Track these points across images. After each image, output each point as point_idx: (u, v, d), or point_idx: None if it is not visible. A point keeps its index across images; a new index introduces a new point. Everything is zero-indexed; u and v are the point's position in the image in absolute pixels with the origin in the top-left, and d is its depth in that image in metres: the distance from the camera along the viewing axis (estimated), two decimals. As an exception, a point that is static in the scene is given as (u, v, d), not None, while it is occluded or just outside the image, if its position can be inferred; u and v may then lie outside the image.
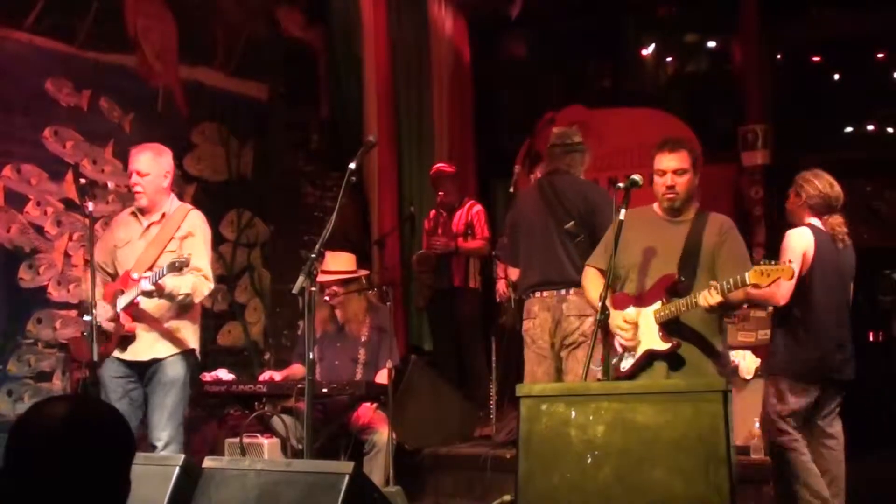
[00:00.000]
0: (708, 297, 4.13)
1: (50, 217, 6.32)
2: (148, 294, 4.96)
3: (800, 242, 5.10)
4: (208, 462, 3.99)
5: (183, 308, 5.20)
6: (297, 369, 5.84)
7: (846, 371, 5.19)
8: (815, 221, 5.21)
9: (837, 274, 5.15)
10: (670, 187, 4.44)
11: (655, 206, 4.59)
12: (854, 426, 6.77)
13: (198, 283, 5.15)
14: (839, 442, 5.20)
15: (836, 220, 5.19)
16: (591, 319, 5.49)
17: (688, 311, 4.26)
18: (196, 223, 5.30)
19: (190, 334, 5.27)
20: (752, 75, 9.22)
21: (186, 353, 5.23)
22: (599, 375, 5.00)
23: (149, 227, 5.24)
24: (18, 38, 6.19)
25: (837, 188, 5.24)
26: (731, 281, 4.11)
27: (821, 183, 5.24)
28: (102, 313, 5.04)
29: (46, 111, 6.37)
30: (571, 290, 5.53)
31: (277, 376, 5.90)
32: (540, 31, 10.49)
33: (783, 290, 4.83)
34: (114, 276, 5.24)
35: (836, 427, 5.21)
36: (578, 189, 5.74)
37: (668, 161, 4.45)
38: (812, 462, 5.09)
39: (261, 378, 6.04)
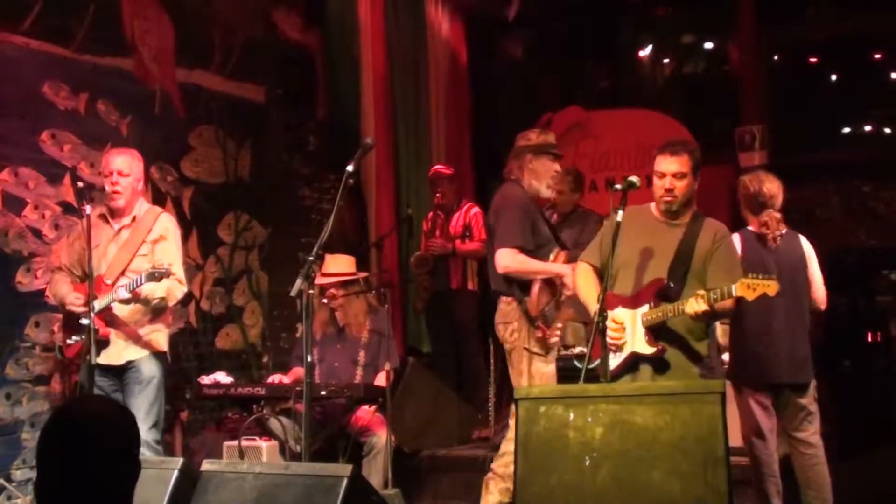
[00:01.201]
0: (694, 304, 4.14)
1: (48, 220, 6.31)
2: (125, 301, 5.07)
3: None
4: (206, 465, 4.00)
5: (156, 312, 5.33)
6: (302, 372, 5.85)
7: (791, 374, 5.12)
8: (752, 225, 5.22)
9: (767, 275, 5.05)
10: (669, 190, 4.43)
11: (653, 206, 4.58)
12: (854, 426, 6.78)
13: (172, 286, 5.26)
14: (813, 445, 5.15)
15: (768, 216, 5.15)
16: (511, 327, 5.43)
17: (675, 316, 4.27)
18: (168, 226, 5.42)
19: (162, 337, 5.40)
20: (750, 76, 9.23)
21: (159, 354, 5.35)
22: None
23: (119, 230, 5.33)
24: (15, 41, 6.18)
25: (769, 185, 5.19)
26: (718, 291, 4.13)
27: (752, 183, 5.24)
28: (74, 300, 5.18)
29: (44, 114, 6.36)
30: (501, 299, 5.52)
31: (287, 379, 5.91)
32: (537, 32, 10.51)
33: None
34: (81, 279, 5.30)
35: (806, 431, 5.16)
36: (495, 196, 5.69)
37: (668, 164, 4.43)
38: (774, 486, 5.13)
39: (268, 381, 6.05)
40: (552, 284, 5.36)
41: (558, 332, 5.38)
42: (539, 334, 5.30)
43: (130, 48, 6.94)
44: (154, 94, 7.12)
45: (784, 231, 5.18)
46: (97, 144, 6.62)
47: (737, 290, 4.08)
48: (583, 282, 4.64)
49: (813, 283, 5.25)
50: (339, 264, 6.06)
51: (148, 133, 6.82)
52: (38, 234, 6.25)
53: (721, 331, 6.03)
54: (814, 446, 5.16)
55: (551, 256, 5.37)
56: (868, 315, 9.21)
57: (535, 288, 5.32)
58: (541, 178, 5.49)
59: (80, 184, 5.40)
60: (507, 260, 5.32)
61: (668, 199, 4.45)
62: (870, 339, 9.20)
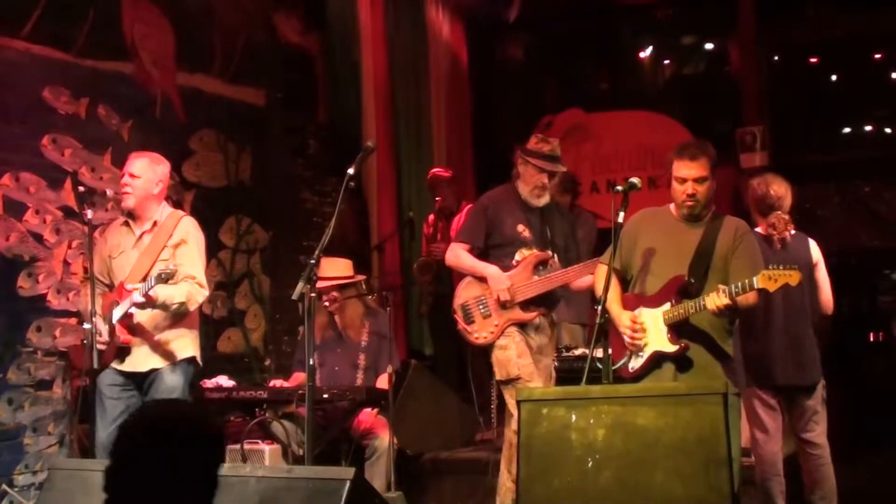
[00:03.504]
0: (716, 299, 4.15)
1: (49, 225, 6.31)
2: (140, 306, 4.99)
3: None
4: (209, 469, 3.99)
5: (178, 316, 5.21)
6: (303, 377, 5.83)
7: (796, 375, 5.12)
8: (760, 227, 5.23)
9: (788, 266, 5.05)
10: (691, 195, 4.43)
11: (672, 207, 4.58)
12: (855, 426, 6.76)
13: (192, 290, 5.16)
14: (819, 446, 5.16)
15: (776, 218, 5.16)
16: None
17: (696, 313, 4.27)
18: (189, 230, 5.31)
19: (188, 342, 5.28)
20: (750, 77, 9.24)
21: (184, 362, 5.24)
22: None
23: (141, 235, 5.26)
24: (16, 46, 6.18)
25: (776, 188, 5.21)
26: (740, 285, 4.14)
27: (759, 186, 5.26)
28: (101, 329, 5.10)
29: (44, 119, 6.36)
30: None
31: (287, 385, 5.90)
32: (537, 34, 10.51)
33: None
34: (111, 287, 5.26)
35: (813, 432, 5.16)
36: None
37: (688, 169, 4.42)
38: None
39: (270, 384, 6.06)
40: (483, 284, 5.40)
41: (489, 333, 5.36)
42: (458, 325, 5.48)
43: (131, 52, 6.95)
44: (155, 98, 7.13)
45: (792, 233, 5.19)
46: (98, 149, 6.63)
47: (758, 281, 4.10)
48: (600, 284, 4.65)
49: (820, 288, 5.25)
50: (336, 268, 6.04)
51: (149, 137, 6.81)
52: (39, 238, 6.26)
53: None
54: (820, 447, 5.17)
55: (517, 256, 5.38)
56: (870, 315, 9.21)
57: (462, 283, 5.52)
58: (526, 183, 5.48)
59: (81, 188, 5.36)
60: (449, 254, 5.62)
61: (691, 203, 4.45)
62: (872, 339, 9.21)
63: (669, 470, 3.55)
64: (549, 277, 5.35)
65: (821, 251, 5.32)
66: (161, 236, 5.22)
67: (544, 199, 5.50)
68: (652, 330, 4.39)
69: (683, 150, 4.47)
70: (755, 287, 4.13)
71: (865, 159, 9.03)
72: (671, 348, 4.34)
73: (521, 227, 5.43)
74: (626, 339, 4.40)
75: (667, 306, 4.37)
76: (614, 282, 4.54)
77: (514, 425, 5.35)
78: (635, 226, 4.59)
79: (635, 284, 4.51)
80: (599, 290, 4.65)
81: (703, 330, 4.37)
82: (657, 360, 4.39)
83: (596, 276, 4.77)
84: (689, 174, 4.43)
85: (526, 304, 5.35)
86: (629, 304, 4.47)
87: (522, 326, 5.37)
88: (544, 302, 5.41)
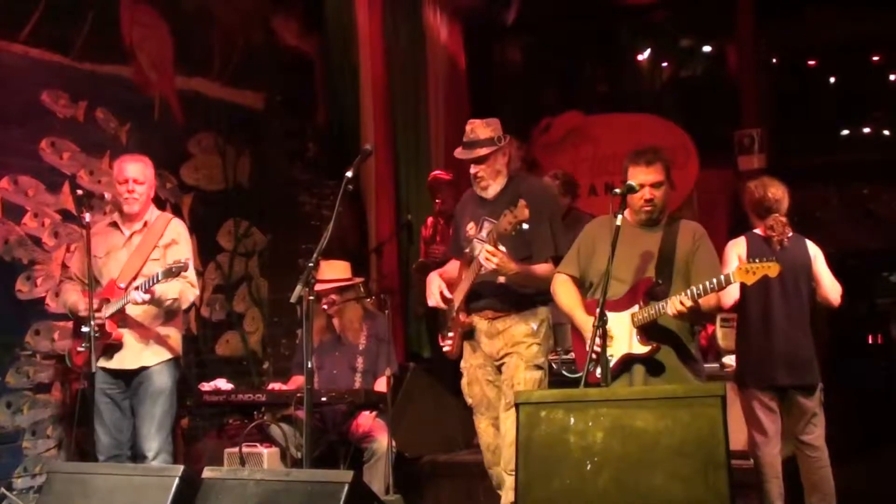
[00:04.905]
0: (677, 303, 4.15)
1: (47, 228, 6.31)
2: (140, 302, 5.09)
3: (732, 252, 5.17)
4: (208, 472, 3.99)
5: (169, 314, 5.37)
6: (301, 380, 5.82)
7: (795, 376, 5.12)
8: (758, 229, 5.25)
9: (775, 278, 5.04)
10: (649, 200, 4.46)
11: (626, 213, 4.58)
12: (855, 427, 6.77)
13: (184, 289, 5.31)
14: (818, 449, 5.16)
15: (774, 220, 5.17)
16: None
17: (660, 315, 4.28)
18: (179, 231, 5.49)
19: (177, 341, 5.43)
20: (748, 79, 9.25)
21: (172, 362, 5.37)
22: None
23: (131, 236, 5.38)
24: (14, 50, 6.18)
25: (773, 190, 5.22)
26: (701, 286, 4.17)
27: (757, 189, 5.28)
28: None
29: (43, 123, 6.36)
30: None
31: (286, 388, 5.90)
32: (536, 36, 10.53)
33: (726, 297, 4.82)
34: (91, 288, 5.31)
35: (812, 434, 5.16)
36: None
37: (645, 175, 4.45)
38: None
39: (269, 388, 6.06)
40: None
41: (448, 346, 5.28)
42: None
43: (129, 56, 6.94)
44: (153, 101, 7.13)
45: (790, 234, 5.20)
46: (96, 152, 6.63)
47: (735, 276, 4.11)
48: (562, 292, 4.65)
49: (823, 282, 5.24)
50: (334, 270, 6.05)
51: (147, 140, 6.81)
52: (37, 242, 6.25)
53: (721, 333, 6.04)
54: (819, 449, 5.16)
55: None
56: (869, 317, 9.21)
57: None
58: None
59: (80, 191, 5.43)
60: None
61: (649, 208, 4.49)
62: (870, 341, 9.21)
63: (668, 472, 3.55)
64: (469, 271, 5.04)
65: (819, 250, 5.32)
66: (151, 237, 5.37)
67: (493, 189, 5.13)
68: (620, 333, 4.39)
69: (639, 156, 4.49)
70: (731, 282, 4.16)
71: (864, 161, 9.04)
72: (642, 350, 4.35)
73: (470, 226, 5.21)
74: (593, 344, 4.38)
75: (635, 308, 4.38)
76: (575, 288, 4.60)
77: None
78: (593, 233, 4.61)
79: (596, 290, 4.49)
80: (561, 300, 4.65)
81: (672, 332, 4.39)
82: (627, 363, 4.40)
83: (555, 285, 4.70)
84: (645, 179, 4.45)
85: (466, 309, 5.11)
86: (592, 309, 4.43)
87: (472, 335, 5.15)
88: (487, 303, 5.04)
